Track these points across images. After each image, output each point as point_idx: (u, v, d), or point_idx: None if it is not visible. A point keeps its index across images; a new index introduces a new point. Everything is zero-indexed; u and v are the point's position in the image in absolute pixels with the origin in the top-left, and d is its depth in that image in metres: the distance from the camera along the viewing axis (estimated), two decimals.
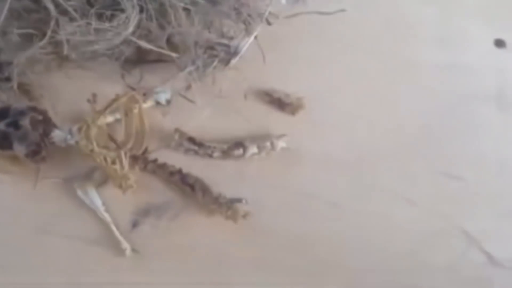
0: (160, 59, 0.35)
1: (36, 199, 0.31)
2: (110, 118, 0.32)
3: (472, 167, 0.35)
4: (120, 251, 0.30)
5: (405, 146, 0.35)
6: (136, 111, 0.32)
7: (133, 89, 0.34)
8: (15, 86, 0.32)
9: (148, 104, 0.34)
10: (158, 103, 0.34)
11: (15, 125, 0.29)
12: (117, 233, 0.30)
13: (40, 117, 0.29)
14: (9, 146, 0.29)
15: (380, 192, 0.34)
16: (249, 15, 0.33)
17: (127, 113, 0.32)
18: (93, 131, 0.29)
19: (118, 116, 0.32)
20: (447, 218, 0.33)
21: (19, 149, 0.28)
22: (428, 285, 0.31)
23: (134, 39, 0.31)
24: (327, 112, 0.36)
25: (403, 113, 0.37)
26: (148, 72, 0.36)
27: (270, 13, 0.34)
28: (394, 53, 0.39)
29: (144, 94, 0.34)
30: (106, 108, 0.29)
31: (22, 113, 0.29)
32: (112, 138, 0.29)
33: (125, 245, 0.30)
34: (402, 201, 0.34)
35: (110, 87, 0.33)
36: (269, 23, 0.34)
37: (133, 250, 0.30)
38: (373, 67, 0.38)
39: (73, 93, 0.34)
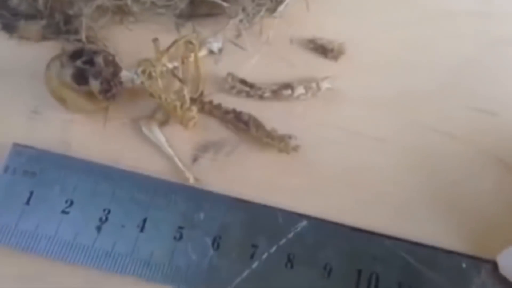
0: (210, 13, 0.38)
1: (105, 137, 0.34)
2: (169, 65, 0.34)
3: (504, 103, 0.37)
4: (184, 180, 0.33)
5: (441, 86, 0.37)
6: (192, 58, 0.34)
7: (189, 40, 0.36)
8: (83, 38, 0.35)
9: (202, 52, 0.36)
10: (211, 51, 0.37)
11: (91, 62, 0.32)
12: (180, 164, 0.33)
13: (111, 57, 0.32)
14: (85, 82, 0.32)
15: (421, 128, 0.36)
16: None
17: (184, 60, 0.35)
18: (157, 71, 0.32)
19: (176, 64, 0.35)
20: (485, 150, 0.35)
21: (94, 84, 0.31)
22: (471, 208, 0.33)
23: None
24: (367, 56, 0.38)
25: (439, 56, 0.39)
26: (200, 25, 0.38)
27: None
28: (430, 1, 0.41)
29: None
30: (168, 49, 0.32)
31: (95, 52, 0.32)
32: (175, 75, 0.32)
33: (188, 174, 0.33)
34: (442, 135, 0.36)
35: (166, 40, 0.36)
36: None
37: (195, 179, 0.33)
38: (410, 15, 0.40)
39: (133, 45, 0.37)
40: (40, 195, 0.31)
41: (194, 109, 0.33)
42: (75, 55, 0.32)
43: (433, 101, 0.37)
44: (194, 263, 0.30)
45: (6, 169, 0.32)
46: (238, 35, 0.37)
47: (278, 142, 0.34)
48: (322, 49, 0.38)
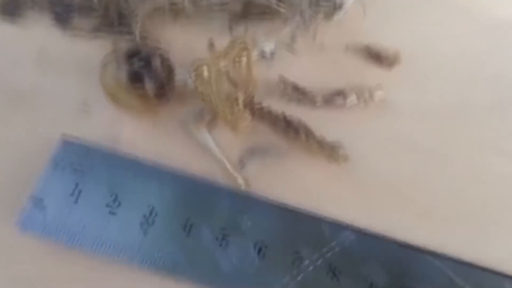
0: (264, 13, 0.37)
1: (154, 137, 0.34)
2: (221, 65, 0.34)
3: None
4: (232, 184, 0.33)
5: (501, 101, 0.36)
6: (244, 59, 0.34)
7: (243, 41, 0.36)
8: (137, 36, 0.35)
9: (254, 54, 0.36)
10: (263, 54, 0.37)
11: (147, 63, 0.32)
12: (231, 168, 0.33)
13: (167, 58, 0.32)
14: (140, 83, 0.32)
15: (477, 144, 0.35)
16: None
17: (236, 63, 0.34)
18: (212, 74, 0.32)
19: (227, 66, 0.34)
20: None
21: (149, 88, 0.31)
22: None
23: None
24: (422, 67, 0.37)
25: (499, 69, 0.37)
26: (252, 26, 0.38)
27: None
28: (488, 11, 0.39)
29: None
30: (225, 52, 0.31)
31: (152, 52, 0.32)
32: (230, 78, 0.31)
33: (240, 179, 0.32)
34: (498, 153, 0.34)
35: (218, 41, 0.36)
36: None
37: (246, 183, 0.33)
38: (470, 25, 0.39)
39: (186, 46, 0.37)
40: (87, 190, 0.31)
41: (248, 116, 0.32)
42: (131, 54, 0.32)
43: (492, 117, 0.35)
44: (238, 270, 0.29)
45: (55, 160, 0.32)
46: (292, 39, 0.36)
47: (328, 151, 0.33)
48: (377, 57, 0.37)
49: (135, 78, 0.32)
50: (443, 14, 0.39)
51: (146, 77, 0.32)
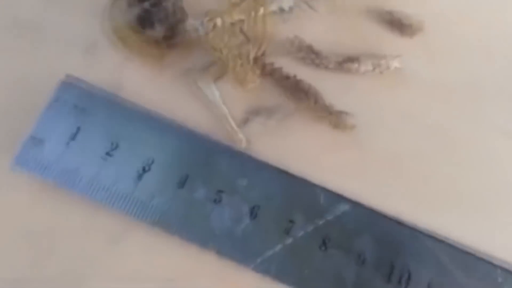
0: None
1: (157, 85, 0.33)
2: (236, 17, 0.33)
3: None
4: (232, 141, 0.32)
5: None
6: (261, 13, 0.33)
7: None
8: None
9: (272, 8, 0.35)
10: (281, 9, 0.35)
11: (158, 5, 0.31)
12: (233, 124, 0.32)
13: (180, 3, 0.31)
14: (150, 26, 0.31)
15: (485, 124, 0.34)
16: None
17: (251, 15, 0.33)
18: (226, 23, 0.30)
19: (242, 17, 0.33)
20: None
21: (159, 30, 0.30)
22: None
23: None
24: (444, 38, 0.36)
25: None
26: None
27: None
28: None
29: None
30: (241, 1, 0.30)
31: None
32: (242, 31, 0.30)
33: (241, 136, 0.32)
34: (505, 135, 0.34)
35: None
36: None
37: (248, 141, 0.32)
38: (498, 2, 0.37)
39: None
40: (86, 132, 0.31)
41: (257, 71, 0.31)
42: None
43: (504, 99, 0.34)
44: (229, 229, 0.29)
45: (56, 99, 0.31)
46: None
47: (335, 117, 0.32)
48: (399, 24, 0.35)
49: (145, 20, 0.31)
50: None
51: (156, 19, 0.30)
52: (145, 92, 0.33)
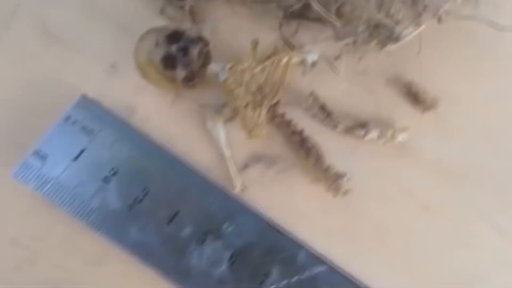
0: (319, 20, 0.36)
1: (170, 116, 0.35)
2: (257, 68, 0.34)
3: None
4: (228, 185, 0.33)
5: None
6: (283, 62, 0.34)
7: (288, 43, 0.35)
8: (187, 6, 0.35)
9: (295, 60, 0.35)
10: (303, 62, 0.36)
11: (185, 50, 0.32)
12: (234, 168, 0.34)
13: (206, 49, 0.32)
14: (173, 67, 0.32)
15: (477, 212, 0.34)
16: (425, 7, 0.33)
17: (273, 62, 0.34)
18: (246, 76, 0.32)
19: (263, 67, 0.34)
20: None
21: (180, 73, 0.31)
22: None
23: None
24: (455, 120, 0.36)
25: None
26: (303, 28, 0.37)
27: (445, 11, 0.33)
28: None
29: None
30: (265, 60, 0.31)
31: (193, 41, 0.32)
32: (261, 86, 0.31)
33: (237, 181, 0.33)
34: (492, 229, 0.34)
35: (265, 33, 0.35)
36: (440, 21, 0.34)
37: (242, 188, 0.33)
38: None
39: (231, 28, 0.37)
40: (90, 155, 0.32)
41: (265, 127, 0.33)
42: (173, 37, 0.32)
43: (506, 194, 0.35)
44: (206, 271, 0.31)
45: (67, 118, 0.33)
46: (337, 57, 0.35)
47: (331, 181, 0.33)
48: (414, 97, 0.36)
49: (169, 62, 0.32)
50: (495, 73, 0.37)
51: (180, 64, 0.32)
52: (156, 120, 0.35)
